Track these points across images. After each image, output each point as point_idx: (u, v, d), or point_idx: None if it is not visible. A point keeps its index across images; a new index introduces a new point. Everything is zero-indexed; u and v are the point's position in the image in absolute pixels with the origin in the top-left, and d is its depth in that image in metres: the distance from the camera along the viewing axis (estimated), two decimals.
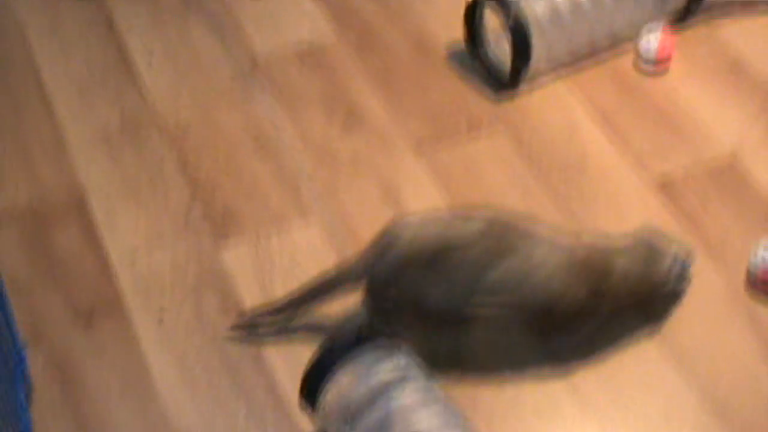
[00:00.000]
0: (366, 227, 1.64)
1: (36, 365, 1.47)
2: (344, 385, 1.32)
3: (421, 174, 1.72)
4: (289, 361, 1.48)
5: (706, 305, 1.55)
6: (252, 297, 1.55)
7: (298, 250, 1.62)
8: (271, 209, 1.67)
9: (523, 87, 1.84)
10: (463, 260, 1.37)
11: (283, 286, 1.55)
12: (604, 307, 1.44)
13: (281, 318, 1.52)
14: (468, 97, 1.83)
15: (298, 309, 1.50)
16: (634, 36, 1.87)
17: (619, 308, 1.46)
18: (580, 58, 1.88)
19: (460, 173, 1.72)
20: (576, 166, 1.72)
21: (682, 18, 1.93)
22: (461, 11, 1.84)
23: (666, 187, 1.69)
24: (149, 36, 1.94)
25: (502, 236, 1.39)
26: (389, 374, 1.33)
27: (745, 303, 1.55)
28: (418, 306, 1.40)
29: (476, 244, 1.38)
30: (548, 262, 1.39)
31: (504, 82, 1.83)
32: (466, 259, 1.37)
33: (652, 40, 1.84)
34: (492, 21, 1.81)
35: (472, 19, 1.84)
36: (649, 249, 1.46)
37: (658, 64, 1.86)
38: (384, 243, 1.42)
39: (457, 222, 1.41)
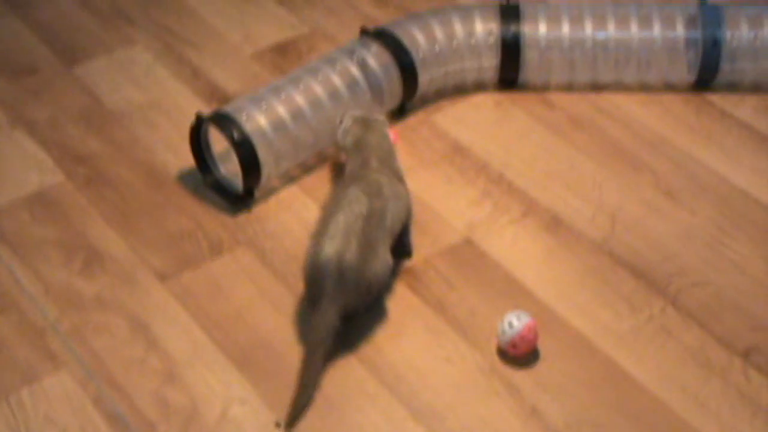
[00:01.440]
0: (119, 366, 1.61)
1: None
2: None
3: (169, 304, 1.70)
4: None
5: (466, 384, 1.59)
6: None
7: (53, 401, 1.57)
8: (18, 364, 1.62)
9: (258, 196, 1.86)
10: (377, 225, 1.63)
11: None
12: None
13: (309, 396, 1.57)
14: (206, 218, 1.84)
15: (317, 382, 1.58)
16: None
17: None
18: (308, 159, 1.92)
19: (207, 295, 1.72)
20: None
21: (399, 113, 2.00)
22: (187, 135, 1.85)
23: (410, 278, 1.73)
24: None
25: (371, 186, 1.67)
26: None
27: (500, 373, 1.60)
28: (375, 287, 1.64)
29: (372, 208, 1.64)
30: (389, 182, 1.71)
31: (239, 196, 1.85)
32: (379, 221, 1.64)
33: None
34: (220, 138, 1.83)
35: (198, 141, 1.85)
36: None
37: None
38: (334, 281, 1.58)
39: (352, 210, 1.62)
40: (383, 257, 1.64)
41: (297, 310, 1.69)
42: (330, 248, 1.59)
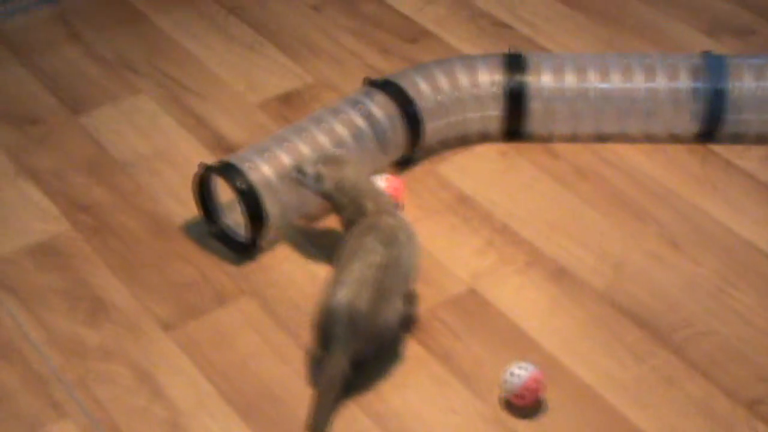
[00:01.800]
0: (123, 416, 1.60)
1: None
2: None
3: (173, 353, 1.70)
4: None
5: None
6: None
7: None
8: (21, 413, 1.61)
9: (263, 246, 1.86)
10: (393, 274, 1.64)
11: None
12: None
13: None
14: (210, 267, 1.84)
15: (326, 427, 1.59)
16: None
17: None
18: (313, 209, 1.92)
19: (212, 344, 1.71)
20: None
21: (403, 164, 2.01)
22: (191, 185, 1.86)
23: (415, 328, 1.73)
24: None
25: (387, 234, 1.67)
26: None
27: (504, 423, 1.59)
28: (386, 334, 1.66)
29: (389, 258, 1.65)
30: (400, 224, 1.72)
31: (244, 246, 1.85)
32: (395, 270, 1.65)
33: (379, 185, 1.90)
34: (225, 188, 1.83)
35: (203, 191, 1.85)
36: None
37: None
38: (344, 327, 1.59)
39: (367, 259, 1.63)
40: (395, 306, 1.64)
41: (302, 360, 1.68)
42: (341, 295, 1.60)
